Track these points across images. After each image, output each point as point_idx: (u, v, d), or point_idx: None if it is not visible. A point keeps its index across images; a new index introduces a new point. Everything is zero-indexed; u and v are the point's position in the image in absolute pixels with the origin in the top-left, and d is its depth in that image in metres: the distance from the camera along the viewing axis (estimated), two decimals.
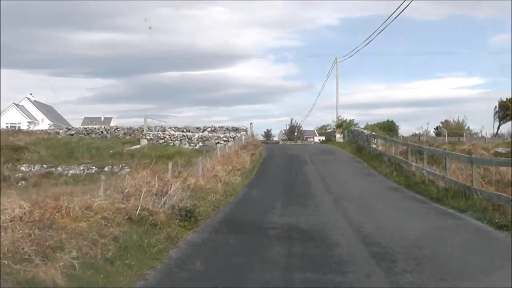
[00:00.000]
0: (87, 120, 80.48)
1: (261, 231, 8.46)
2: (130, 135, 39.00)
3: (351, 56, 44.23)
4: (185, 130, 37.58)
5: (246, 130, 34.59)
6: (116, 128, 41.38)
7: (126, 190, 9.06)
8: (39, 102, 76.53)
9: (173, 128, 38.43)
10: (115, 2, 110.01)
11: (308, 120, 69.18)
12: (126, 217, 7.41)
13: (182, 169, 13.64)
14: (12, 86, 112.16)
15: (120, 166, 30.65)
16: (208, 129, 37.40)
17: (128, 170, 25.85)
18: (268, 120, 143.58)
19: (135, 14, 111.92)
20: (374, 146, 25.71)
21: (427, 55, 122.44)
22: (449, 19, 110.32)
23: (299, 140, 51.09)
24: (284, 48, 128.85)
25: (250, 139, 27.58)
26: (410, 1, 22.09)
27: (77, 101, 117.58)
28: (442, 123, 49.07)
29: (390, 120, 45.31)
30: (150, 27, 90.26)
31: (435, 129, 46.28)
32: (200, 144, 32.23)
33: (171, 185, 9.94)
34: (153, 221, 7.63)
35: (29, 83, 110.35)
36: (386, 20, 32.97)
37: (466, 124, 47.96)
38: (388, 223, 8.90)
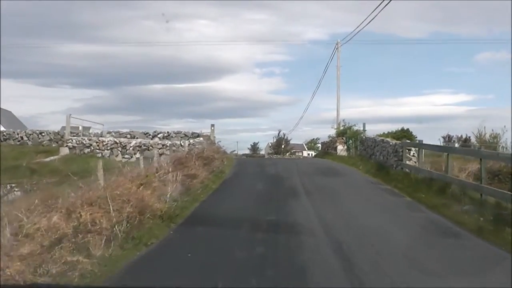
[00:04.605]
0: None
1: None
2: (57, 142, 29.10)
3: (352, 36, 33.53)
4: (129, 136, 27.08)
5: (209, 136, 24.11)
6: (41, 133, 31.06)
7: None
8: None
9: (113, 134, 27.98)
10: (102, 14, 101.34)
11: (295, 134, 60.37)
12: None
13: None
14: None
15: (9, 187, 19.91)
16: (159, 135, 27.02)
17: (19, 193, 16.37)
18: (255, 134, 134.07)
19: (121, 26, 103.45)
20: (410, 163, 15.29)
21: (413, 72, 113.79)
22: (433, 37, 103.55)
23: (287, 154, 40.50)
24: (271, 63, 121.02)
25: (206, 149, 16.67)
26: None
27: (66, 111, 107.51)
28: (456, 137, 38.56)
29: (406, 128, 34.88)
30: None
31: (462, 141, 35.61)
32: (137, 155, 21.60)
33: None
34: None
35: (14, 92, 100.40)
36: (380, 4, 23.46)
37: (500, 137, 37.26)
38: None
